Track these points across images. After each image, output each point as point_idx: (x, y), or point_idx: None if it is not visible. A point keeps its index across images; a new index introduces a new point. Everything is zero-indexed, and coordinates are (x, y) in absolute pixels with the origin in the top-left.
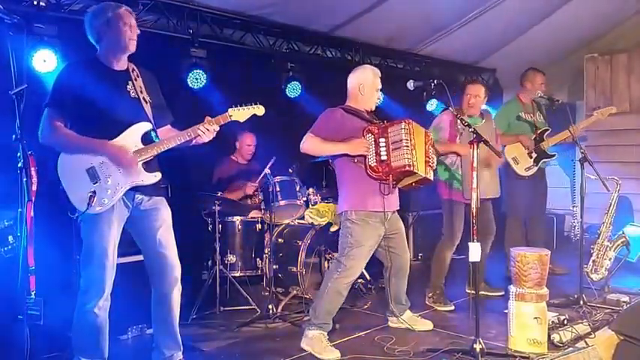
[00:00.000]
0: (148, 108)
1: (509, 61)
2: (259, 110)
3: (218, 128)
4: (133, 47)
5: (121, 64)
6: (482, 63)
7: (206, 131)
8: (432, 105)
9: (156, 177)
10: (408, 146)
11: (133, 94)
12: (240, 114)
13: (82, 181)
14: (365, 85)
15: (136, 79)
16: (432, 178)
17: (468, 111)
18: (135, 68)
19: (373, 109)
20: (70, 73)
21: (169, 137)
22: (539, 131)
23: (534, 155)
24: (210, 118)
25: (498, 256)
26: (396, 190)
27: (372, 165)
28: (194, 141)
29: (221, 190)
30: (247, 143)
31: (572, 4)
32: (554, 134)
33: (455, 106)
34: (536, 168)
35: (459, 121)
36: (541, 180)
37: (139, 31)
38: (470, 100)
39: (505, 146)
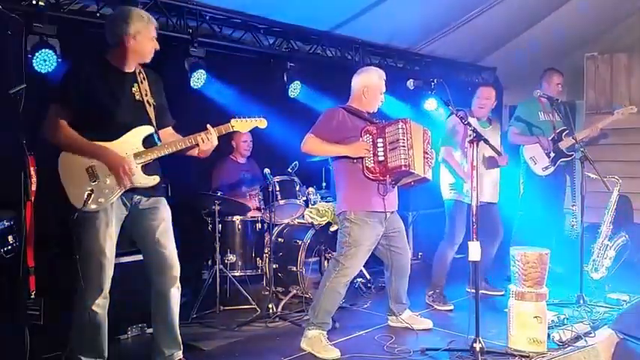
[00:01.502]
0: (151, 111)
1: (510, 59)
2: (262, 123)
3: (217, 142)
4: (149, 59)
5: (130, 67)
6: (482, 62)
7: (206, 140)
8: (431, 104)
9: (154, 180)
10: (404, 146)
11: (137, 97)
12: (242, 125)
13: (81, 179)
14: (369, 88)
15: (142, 82)
16: (430, 177)
17: (478, 113)
18: (142, 70)
19: (375, 111)
20: (77, 72)
21: (170, 142)
22: (557, 131)
23: (552, 155)
24: (211, 127)
25: (505, 257)
26: (395, 189)
27: (369, 166)
28: (195, 153)
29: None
30: (243, 139)
31: (572, 3)
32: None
33: (455, 106)
34: (553, 168)
35: (460, 120)
36: (560, 179)
37: (157, 47)
38: (481, 102)
39: (524, 146)
